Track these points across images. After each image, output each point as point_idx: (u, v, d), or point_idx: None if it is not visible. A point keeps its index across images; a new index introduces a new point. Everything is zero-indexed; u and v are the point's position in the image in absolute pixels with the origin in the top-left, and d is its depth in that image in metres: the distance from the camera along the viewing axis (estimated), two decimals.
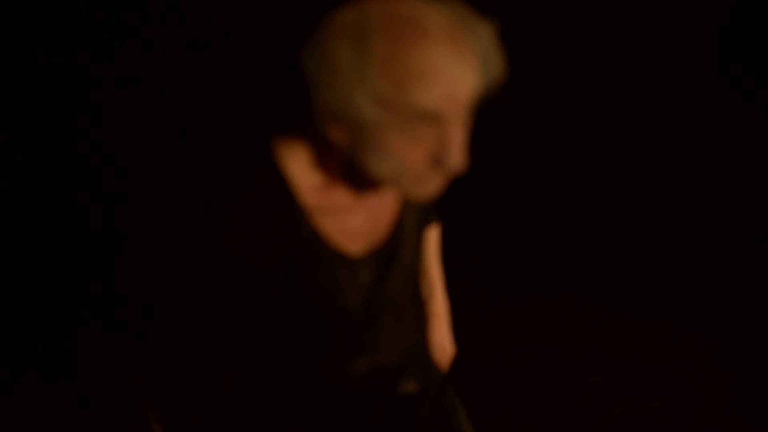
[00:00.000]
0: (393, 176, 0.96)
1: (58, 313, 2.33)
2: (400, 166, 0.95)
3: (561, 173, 3.63)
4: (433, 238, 1.48)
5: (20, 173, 2.40)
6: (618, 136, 3.61)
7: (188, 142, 2.38)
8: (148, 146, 2.49)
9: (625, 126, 3.57)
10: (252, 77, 2.49)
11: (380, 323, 1.21)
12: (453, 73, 0.89)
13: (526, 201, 3.46)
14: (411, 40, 0.89)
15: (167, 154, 2.44)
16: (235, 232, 0.98)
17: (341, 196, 1.07)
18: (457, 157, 0.93)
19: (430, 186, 0.98)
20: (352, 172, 1.04)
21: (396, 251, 1.17)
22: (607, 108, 3.60)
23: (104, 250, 2.39)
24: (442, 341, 1.46)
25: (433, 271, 1.48)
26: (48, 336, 2.29)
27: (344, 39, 0.90)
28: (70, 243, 2.41)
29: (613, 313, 2.68)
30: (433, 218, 1.44)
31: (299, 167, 1.03)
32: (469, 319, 2.23)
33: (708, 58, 3.36)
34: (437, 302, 1.47)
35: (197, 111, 2.49)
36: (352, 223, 1.09)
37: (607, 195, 3.48)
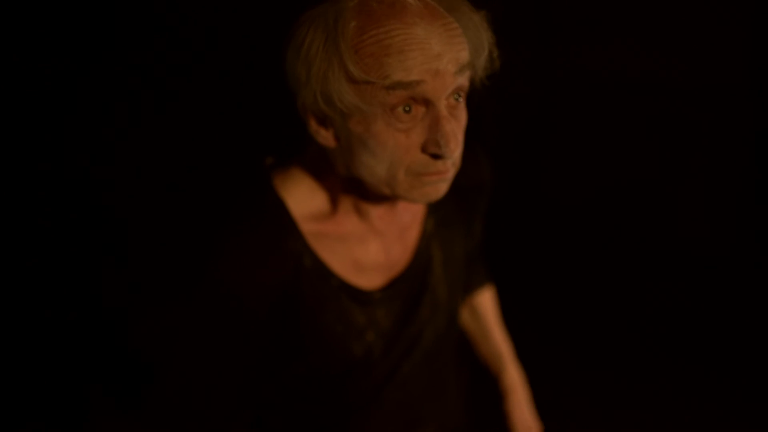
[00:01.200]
0: (389, 176, 0.91)
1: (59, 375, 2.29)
2: (393, 162, 0.90)
3: (593, 246, 3.55)
4: (488, 301, 1.38)
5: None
6: (655, 208, 3.54)
7: (186, 185, 2.39)
8: (145, 196, 2.49)
9: (661, 198, 3.50)
10: (250, 110, 2.48)
11: (417, 385, 1.12)
12: (431, 45, 0.85)
13: (555, 271, 3.35)
14: (386, 15, 0.86)
15: (164, 200, 2.45)
16: (236, 271, 0.94)
17: (347, 224, 1.02)
18: (448, 144, 0.88)
19: (430, 184, 0.92)
20: (355, 199, 1.00)
21: (421, 287, 1.07)
22: (643, 180, 3.54)
23: (107, 306, 2.38)
24: (525, 419, 1.30)
25: (497, 339, 1.35)
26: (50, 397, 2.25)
27: (317, 28, 0.88)
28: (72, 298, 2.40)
29: (649, 392, 2.56)
30: (480, 279, 1.36)
31: (299, 197, 1.00)
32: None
33: (748, 130, 3.30)
34: (510, 375, 1.32)
35: (193, 152, 2.48)
36: (361, 253, 1.03)
37: (641, 269, 3.36)
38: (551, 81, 3.56)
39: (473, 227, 1.23)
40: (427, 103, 0.88)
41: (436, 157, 0.90)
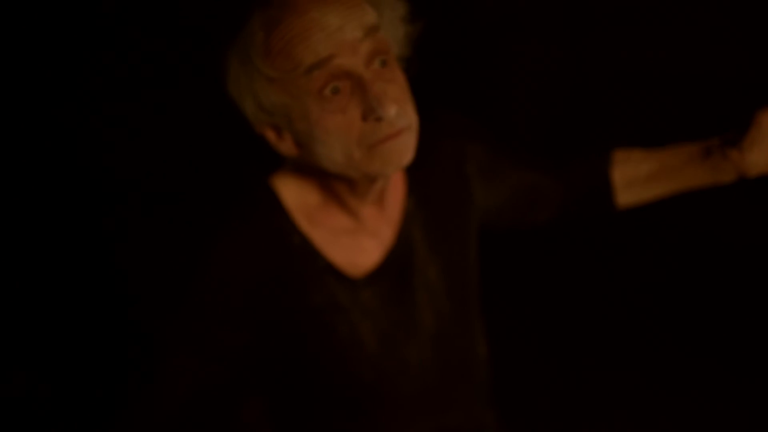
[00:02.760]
0: (346, 158, 0.95)
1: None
2: (343, 143, 0.94)
3: (627, 240, 3.51)
4: (621, 156, 1.28)
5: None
6: (692, 203, 3.48)
7: (189, 185, 2.44)
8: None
9: (699, 193, 3.45)
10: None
11: (433, 373, 1.13)
12: (330, 21, 0.91)
13: (596, 268, 3.32)
14: (282, 14, 0.92)
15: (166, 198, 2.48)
16: (228, 249, 1.00)
17: (337, 221, 1.07)
18: (381, 103, 0.91)
19: (386, 150, 0.96)
20: (342, 199, 1.05)
21: (408, 269, 1.10)
22: None
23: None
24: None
25: (664, 152, 1.25)
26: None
27: (233, 56, 0.96)
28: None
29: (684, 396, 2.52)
30: (593, 162, 1.28)
31: (292, 191, 1.06)
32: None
33: None
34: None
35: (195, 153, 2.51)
36: (348, 243, 1.07)
37: (680, 265, 3.30)
38: (583, 76, 3.53)
39: (487, 187, 1.21)
40: (350, 76, 0.92)
41: (378, 120, 0.93)
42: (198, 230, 1.05)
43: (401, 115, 0.96)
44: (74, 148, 2.45)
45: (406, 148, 0.97)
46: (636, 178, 1.26)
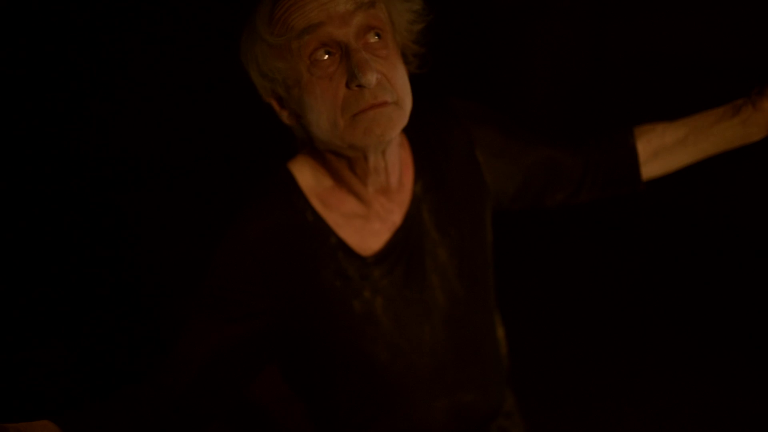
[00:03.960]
0: (331, 125, 1.00)
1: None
2: (328, 108, 0.99)
3: (648, 230, 3.49)
4: (644, 129, 1.27)
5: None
6: (714, 192, 3.46)
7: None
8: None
9: (720, 182, 3.42)
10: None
11: (447, 351, 1.16)
12: None
13: (616, 259, 3.28)
14: None
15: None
16: (250, 224, 1.08)
17: (345, 204, 1.12)
18: (362, 70, 0.96)
19: (368, 119, 0.99)
20: (350, 183, 1.10)
21: (418, 251, 1.14)
22: (702, 163, 3.46)
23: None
24: None
25: (682, 122, 1.25)
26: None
27: (245, 27, 1.04)
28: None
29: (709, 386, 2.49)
30: (615, 138, 1.27)
31: (307, 176, 1.12)
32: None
33: None
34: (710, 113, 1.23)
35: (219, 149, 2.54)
36: (358, 225, 1.12)
37: (701, 255, 3.23)
38: (607, 62, 3.50)
39: (499, 169, 1.23)
40: (339, 45, 0.98)
41: (359, 88, 0.98)
42: (222, 208, 1.13)
43: (385, 87, 1.00)
44: (104, 132, 2.48)
45: (388, 120, 1.00)
46: (662, 146, 1.25)
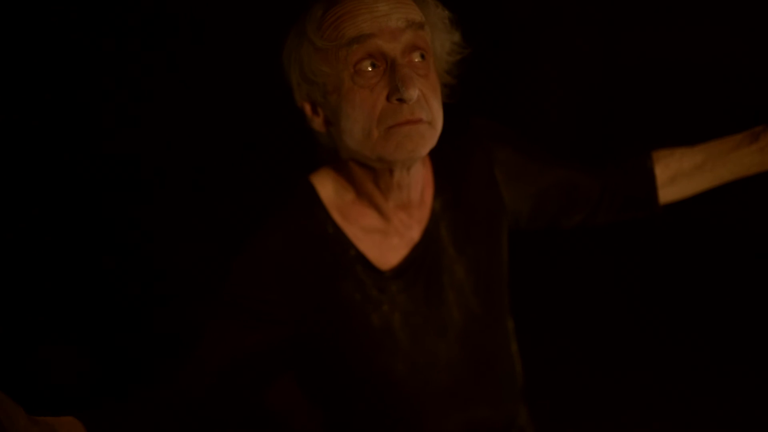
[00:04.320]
0: (364, 135, 1.03)
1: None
2: (365, 118, 1.02)
3: (659, 234, 3.47)
4: (660, 155, 1.29)
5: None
6: (723, 198, 3.43)
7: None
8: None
9: (731, 189, 3.39)
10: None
11: (462, 368, 1.18)
12: (379, 7, 1.01)
13: (626, 271, 3.26)
14: None
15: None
16: (272, 234, 1.11)
17: (365, 218, 1.14)
18: (405, 84, 0.99)
19: (402, 134, 1.02)
20: (372, 196, 1.13)
21: (436, 267, 1.16)
22: None
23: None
24: None
25: (699, 149, 1.28)
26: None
27: (293, 30, 1.08)
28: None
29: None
30: (633, 164, 1.29)
31: (329, 189, 1.15)
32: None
33: None
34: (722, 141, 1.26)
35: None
36: (377, 240, 1.14)
37: (709, 260, 3.26)
38: (617, 67, 3.49)
39: (517, 190, 1.25)
40: (385, 58, 1.01)
41: (399, 102, 1.01)
42: (236, 210, 1.15)
43: (422, 105, 1.03)
44: (116, 134, 2.50)
45: (420, 138, 1.03)
46: (680, 171, 1.27)
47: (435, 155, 1.19)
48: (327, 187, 1.15)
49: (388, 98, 1.01)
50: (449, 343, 1.17)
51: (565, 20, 3.47)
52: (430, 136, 1.05)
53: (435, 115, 1.05)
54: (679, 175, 1.27)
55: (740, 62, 3.22)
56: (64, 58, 2.37)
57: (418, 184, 1.15)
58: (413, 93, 1.00)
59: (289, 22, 1.11)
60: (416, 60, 1.04)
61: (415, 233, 1.16)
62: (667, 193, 1.28)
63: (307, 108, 1.11)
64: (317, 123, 1.11)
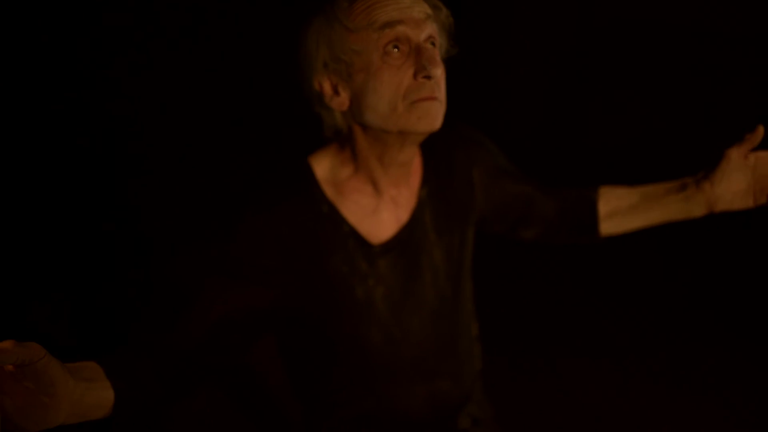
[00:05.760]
0: (390, 109, 1.13)
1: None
2: (392, 93, 1.13)
3: (658, 238, 3.37)
4: (606, 191, 1.43)
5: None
6: (698, 164, 3.43)
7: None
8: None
9: (706, 154, 3.39)
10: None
11: (429, 342, 1.30)
12: (404, 0, 1.14)
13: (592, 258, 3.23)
14: None
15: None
16: (267, 210, 1.18)
17: (363, 195, 1.24)
18: (431, 62, 1.12)
19: (424, 108, 1.13)
20: (370, 173, 1.23)
21: (418, 248, 1.28)
22: (702, 164, 3.45)
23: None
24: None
25: (639, 190, 1.40)
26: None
27: (317, 16, 1.17)
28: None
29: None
30: (585, 195, 1.44)
31: (325, 167, 1.24)
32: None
33: None
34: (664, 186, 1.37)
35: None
36: (369, 215, 1.24)
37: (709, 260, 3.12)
38: (589, 31, 3.47)
39: (488, 193, 1.40)
40: (410, 42, 1.13)
41: (425, 79, 1.12)
42: (242, 196, 1.22)
43: (440, 85, 1.15)
44: (115, 115, 2.50)
45: (437, 112, 1.15)
46: (618, 209, 1.41)
47: (424, 148, 1.32)
48: (323, 166, 1.24)
49: (414, 76, 1.12)
50: (422, 320, 1.29)
51: None
52: (442, 113, 1.16)
53: (444, 96, 1.17)
54: (617, 212, 1.41)
55: (714, 23, 3.21)
56: (62, 57, 2.38)
57: (413, 168, 1.29)
58: (438, 71, 1.13)
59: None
60: (431, 47, 1.16)
61: (402, 214, 1.27)
62: (607, 226, 1.43)
63: (327, 87, 1.18)
64: (337, 102, 1.19)
